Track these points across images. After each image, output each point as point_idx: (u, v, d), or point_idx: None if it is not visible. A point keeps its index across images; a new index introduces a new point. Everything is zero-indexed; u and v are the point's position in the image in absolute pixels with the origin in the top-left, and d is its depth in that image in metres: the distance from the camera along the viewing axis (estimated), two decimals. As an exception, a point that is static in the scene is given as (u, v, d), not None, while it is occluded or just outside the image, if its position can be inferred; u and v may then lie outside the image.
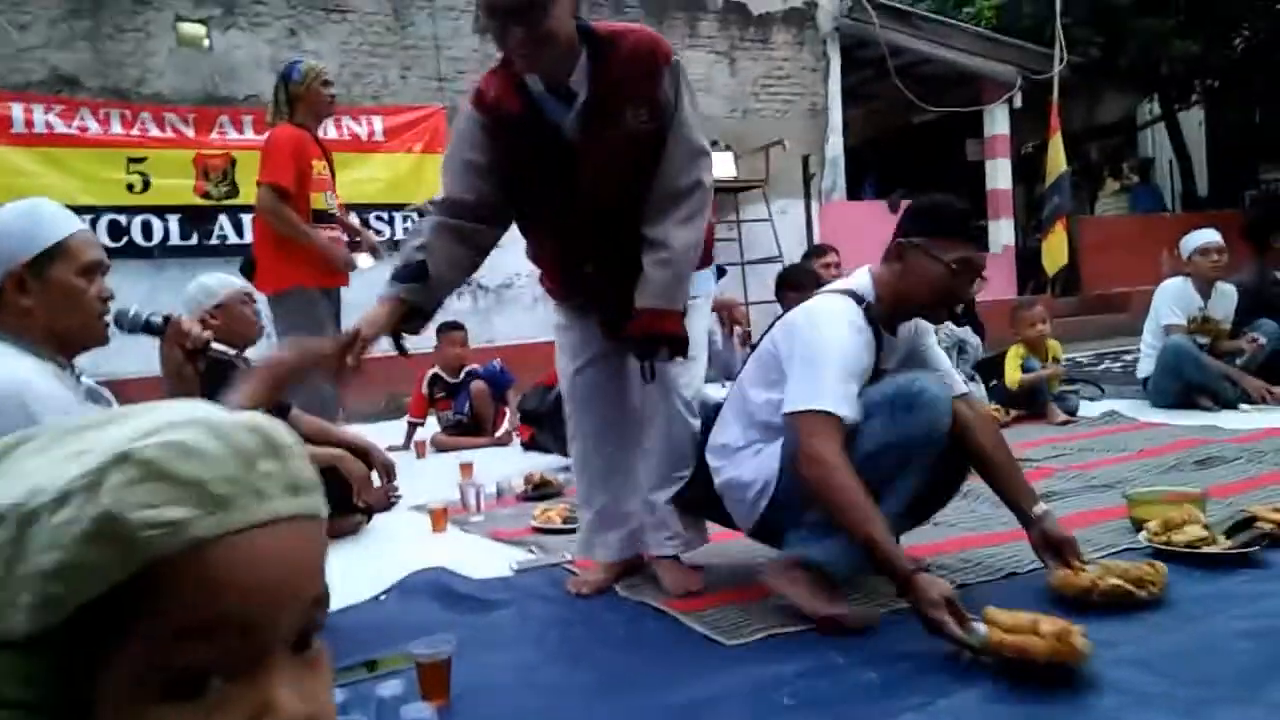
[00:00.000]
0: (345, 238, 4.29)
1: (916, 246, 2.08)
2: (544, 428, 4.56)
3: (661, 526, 2.36)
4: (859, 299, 2.13)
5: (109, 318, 1.84)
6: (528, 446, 4.91)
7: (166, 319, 1.88)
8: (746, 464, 2.15)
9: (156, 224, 6.63)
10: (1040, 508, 2.07)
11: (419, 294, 2.00)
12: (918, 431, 1.95)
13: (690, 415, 2.31)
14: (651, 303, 2.06)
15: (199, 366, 1.90)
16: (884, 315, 2.13)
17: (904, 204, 2.36)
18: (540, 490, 3.69)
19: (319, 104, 4.15)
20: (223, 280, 3.24)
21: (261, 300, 3.69)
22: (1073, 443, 4.03)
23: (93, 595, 0.49)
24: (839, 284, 2.25)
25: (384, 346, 6.01)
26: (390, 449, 5.17)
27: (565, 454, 3.64)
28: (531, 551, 2.87)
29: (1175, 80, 10.75)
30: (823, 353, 2.00)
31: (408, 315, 2.00)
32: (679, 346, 2.11)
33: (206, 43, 6.92)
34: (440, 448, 5.29)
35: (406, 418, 5.60)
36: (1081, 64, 9.95)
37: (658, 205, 2.08)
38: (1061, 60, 9.49)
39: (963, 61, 9.67)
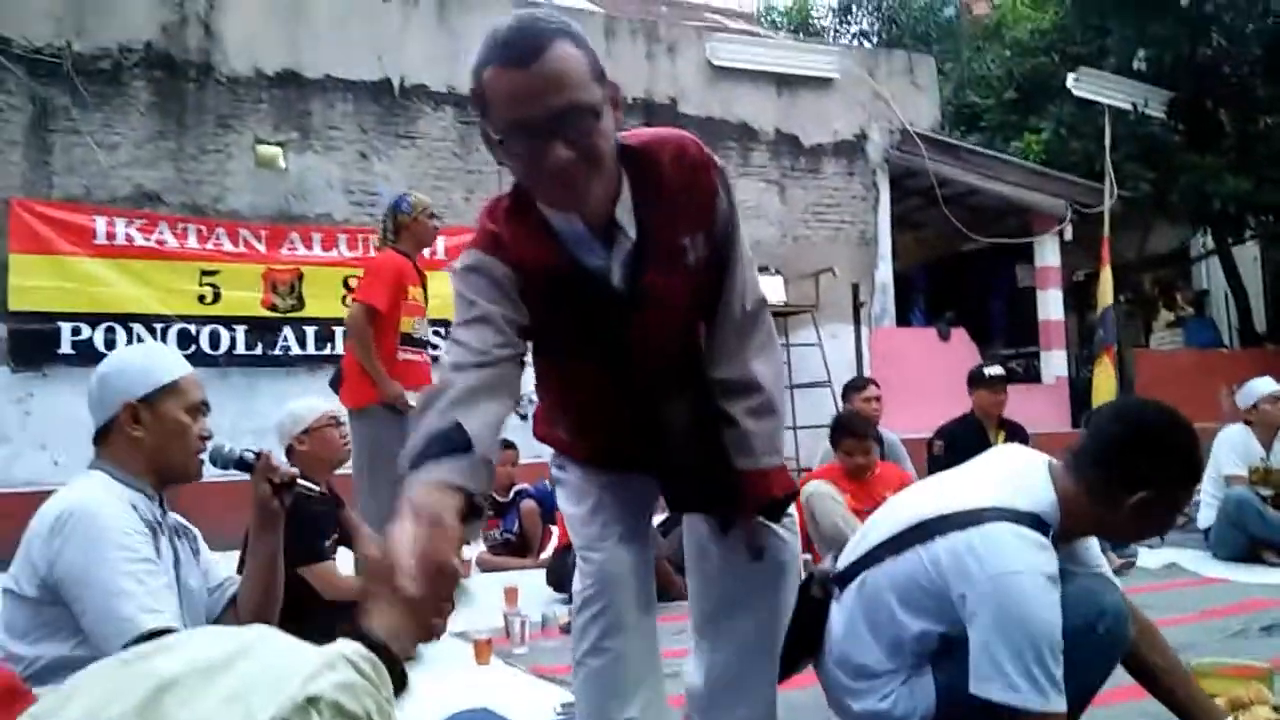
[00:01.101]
0: (428, 362, 4.52)
1: (1163, 502, 1.80)
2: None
3: None
4: (1044, 527, 1.78)
5: (204, 455, 1.98)
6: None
7: (258, 455, 2.00)
8: (897, 698, 1.88)
9: (224, 334, 6.87)
10: None
11: (470, 473, 1.32)
12: (1108, 663, 1.81)
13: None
14: (762, 462, 1.70)
15: (285, 500, 2.03)
16: (1062, 534, 1.82)
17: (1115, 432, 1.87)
18: (585, 623, 3.65)
19: (424, 234, 4.42)
20: (310, 406, 3.36)
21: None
22: (1131, 596, 3.91)
23: None
24: (1007, 496, 1.81)
25: None
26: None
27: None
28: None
29: (1228, 216, 10.75)
30: (1036, 633, 1.66)
31: (464, 510, 1.28)
32: (778, 510, 1.77)
33: (283, 164, 7.28)
34: (485, 567, 5.28)
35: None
36: (1132, 198, 10.03)
37: (729, 339, 1.69)
38: (1112, 195, 9.59)
39: (1011, 194, 9.81)
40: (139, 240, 6.72)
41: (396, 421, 4.21)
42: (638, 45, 8.66)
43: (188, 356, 6.64)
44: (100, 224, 6.63)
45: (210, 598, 2.03)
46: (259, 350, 6.96)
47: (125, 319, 6.60)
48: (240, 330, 6.93)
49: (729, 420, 1.69)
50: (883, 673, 1.89)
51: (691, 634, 1.99)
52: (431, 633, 1.10)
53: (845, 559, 2.05)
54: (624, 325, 1.62)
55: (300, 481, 2.05)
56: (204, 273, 6.84)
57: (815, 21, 16.70)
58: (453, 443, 1.34)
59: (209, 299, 6.85)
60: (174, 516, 2.00)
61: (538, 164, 1.39)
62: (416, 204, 4.39)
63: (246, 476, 2.03)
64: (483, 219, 1.62)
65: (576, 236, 1.55)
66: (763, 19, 15.77)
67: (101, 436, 1.90)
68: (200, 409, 1.95)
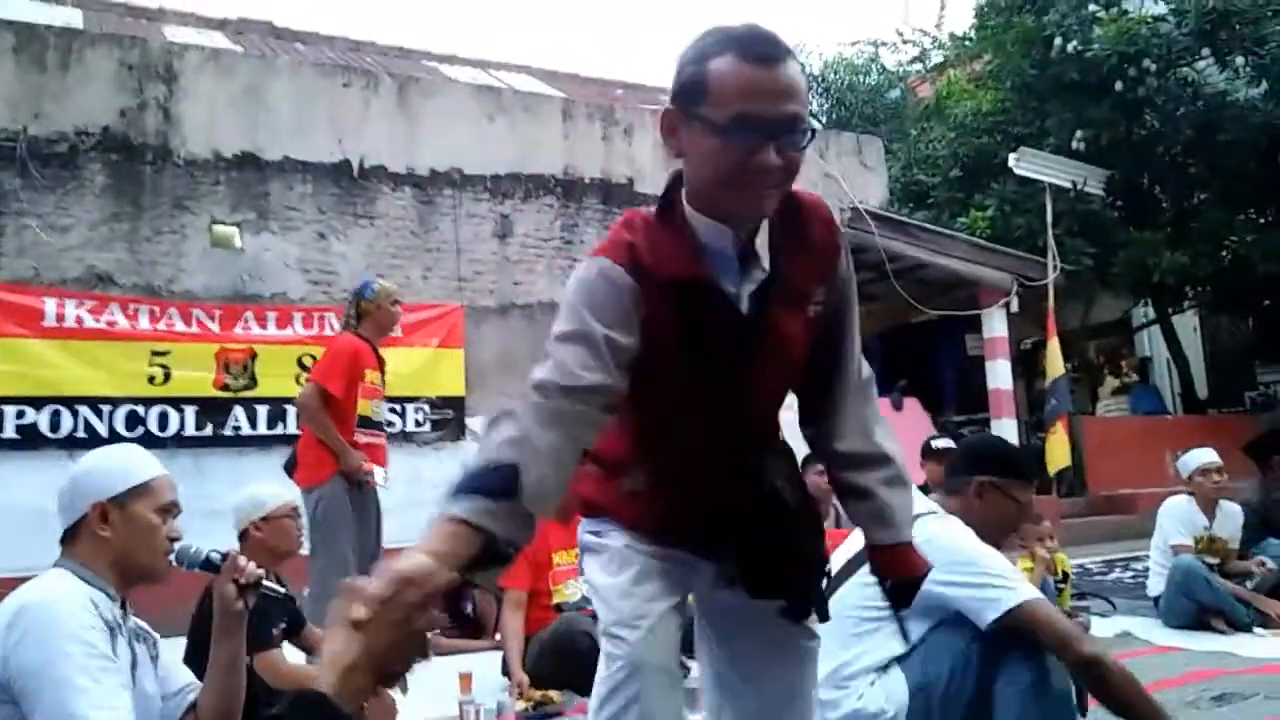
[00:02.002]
0: (384, 444, 4.61)
1: (996, 487, 2.26)
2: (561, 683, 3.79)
3: None
4: None
5: (171, 556, 1.98)
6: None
7: (224, 555, 2.04)
8: (868, 697, 2.07)
9: (173, 415, 6.77)
10: None
11: (502, 518, 1.19)
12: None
13: None
14: (904, 534, 1.60)
15: (249, 602, 2.03)
16: None
17: (944, 442, 2.52)
18: (540, 709, 3.60)
19: (386, 320, 4.56)
20: (273, 493, 3.32)
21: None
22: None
23: None
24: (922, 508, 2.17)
25: (387, 539, 5.81)
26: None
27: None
28: (531, 784, 2.79)
29: (1167, 288, 11.12)
30: (985, 555, 2.07)
31: (483, 553, 1.18)
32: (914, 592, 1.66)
33: (238, 243, 7.28)
34: (438, 650, 5.16)
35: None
36: (1074, 271, 10.34)
37: (851, 406, 1.62)
38: (1055, 269, 9.90)
39: (959, 268, 10.06)
40: (89, 321, 6.64)
41: (348, 499, 4.29)
42: (595, 127, 8.87)
43: (135, 439, 6.57)
44: (50, 305, 6.56)
45: (168, 704, 1.99)
46: (209, 431, 6.86)
47: (71, 401, 6.49)
48: (190, 411, 6.83)
49: (862, 493, 1.60)
50: (855, 674, 2.07)
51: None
52: (390, 682, 1.02)
53: None
54: (742, 358, 1.51)
55: (265, 584, 2.05)
56: (154, 353, 6.76)
57: (767, 102, 17.17)
58: (496, 481, 1.22)
59: (159, 379, 6.76)
60: (135, 620, 1.98)
61: (746, 161, 1.34)
62: (381, 291, 4.52)
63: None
64: (617, 229, 1.52)
65: (720, 252, 1.47)
66: (716, 100, 16.19)
67: (69, 536, 1.90)
68: (171, 510, 1.96)
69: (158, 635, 2.05)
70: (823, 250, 1.55)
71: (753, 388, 1.55)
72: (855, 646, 2.09)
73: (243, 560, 2.02)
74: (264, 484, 3.44)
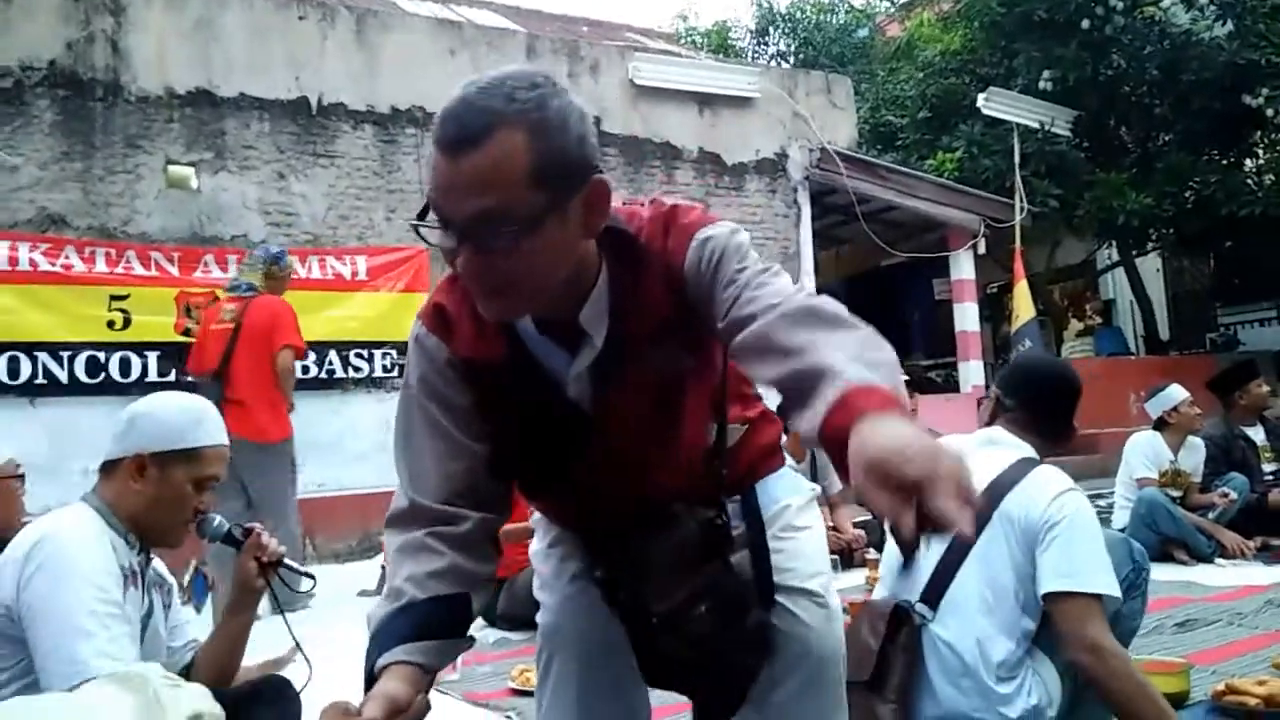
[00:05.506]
0: None
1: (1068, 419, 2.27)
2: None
3: None
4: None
5: (192, 525, 1.96)
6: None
7: (247, 531, 2.03)
8: (1034, 689, 1.93)
9: (135, 360, 6.62)
10: None
11: (436, 650, 1.20)
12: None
13: None
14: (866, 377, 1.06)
15: (269, 579, 2.02)
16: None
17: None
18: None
19: (282, 290, 5.02)
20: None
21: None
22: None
23: None
24: (1014, 453, 2.15)
25: (359, 484, 5.84)
26: (362, 593, 5.09)
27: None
28: (510, 719, 2.81)
29: (1131, 229, 11.21)
30: (1100, 536, 1.98)
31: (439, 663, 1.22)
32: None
33: (194, 184, 7.07)
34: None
35: (381, 559, 5.49)
36: (1041, 213, 10.39)
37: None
38: (1022, 211, 9.93)
39: (927, 209, 10.06)
40: (44, 265, 6.43)
41: (291, 459, 4.78)
42: (560, 65, 8.67)
43: (97, 385, 6.43)
44: (2, 249, 6.34)
45: (172, 655, 1.98)
46: (173, 376, 6.71)
47: (29, 347, 6.32)
48: (152, 356, 6.68)
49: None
50: (1016, 663, 1.93)
51: None
52: None
53: (907, 586, 2.07)
54: (578, 442, 1.32)
55: (286, 561, 2.03)
56: (113, 297, 6.57)
57: (734, 43, 16.96)
58: (409, 624, 1.19)
59: (119, 324, 6.59)
60: (157, 567, 1.98)
61: (451, 262, 1.15)
62: (290, 264, 5.17)
63: None
64: (439, 285, 1.37)
65: (532, 334, 1.28)
66: (683, 39, 15.95)
67: (107, 469, 1.87)
68: (209, 482, 1.91)
69: (174, 582, 2.06)
70: (662, 293, 1.25)
71: (612, 465, 1.33)
72: (1007, 630, 1.94)
73: (265, 537, 2.00)
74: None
